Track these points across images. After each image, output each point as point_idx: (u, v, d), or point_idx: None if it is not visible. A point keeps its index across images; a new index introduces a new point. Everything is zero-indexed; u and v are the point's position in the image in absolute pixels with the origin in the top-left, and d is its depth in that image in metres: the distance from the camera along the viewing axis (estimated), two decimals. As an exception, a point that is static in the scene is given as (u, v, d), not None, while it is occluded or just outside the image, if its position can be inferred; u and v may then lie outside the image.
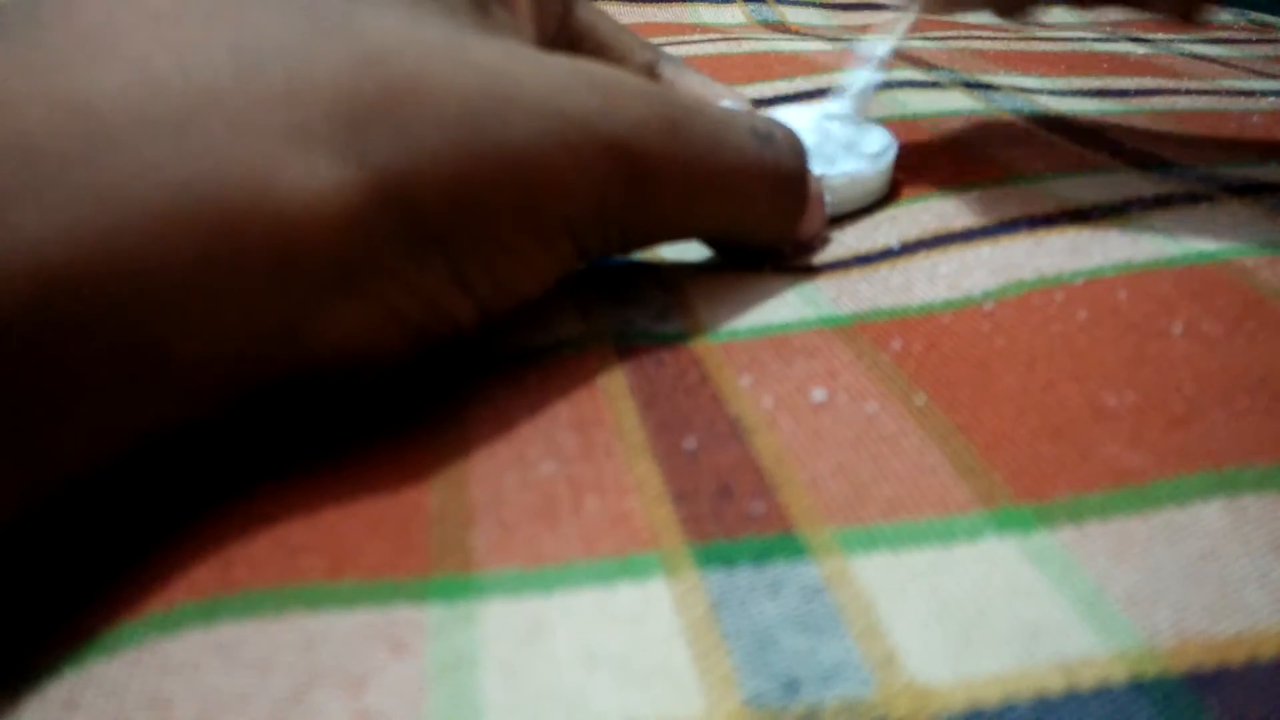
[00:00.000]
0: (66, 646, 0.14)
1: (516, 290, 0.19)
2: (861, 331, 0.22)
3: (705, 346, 0.21)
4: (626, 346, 0.21)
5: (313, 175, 0.15)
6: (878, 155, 0.28)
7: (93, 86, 0.14)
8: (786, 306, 0.23)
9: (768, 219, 0.24)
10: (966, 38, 0.57)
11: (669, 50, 0.51)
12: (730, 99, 0.31)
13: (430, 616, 0.14)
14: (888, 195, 0.29)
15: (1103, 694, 0.13)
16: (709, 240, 0.25)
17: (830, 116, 0.30)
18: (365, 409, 0.19)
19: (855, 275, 0.25)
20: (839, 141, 0.29)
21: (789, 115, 0.31)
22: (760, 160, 0.22)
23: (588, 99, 0.19)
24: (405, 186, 0.16)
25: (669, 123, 0.20)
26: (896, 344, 0.21)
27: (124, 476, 0.17)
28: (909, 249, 0.26)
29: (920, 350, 0.21)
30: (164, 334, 0.15)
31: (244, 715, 0.13)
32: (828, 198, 0.26)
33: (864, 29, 0.63)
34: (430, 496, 0.17)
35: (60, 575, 0.16)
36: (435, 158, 0.16)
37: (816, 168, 0.27)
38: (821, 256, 0.26)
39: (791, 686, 0.13)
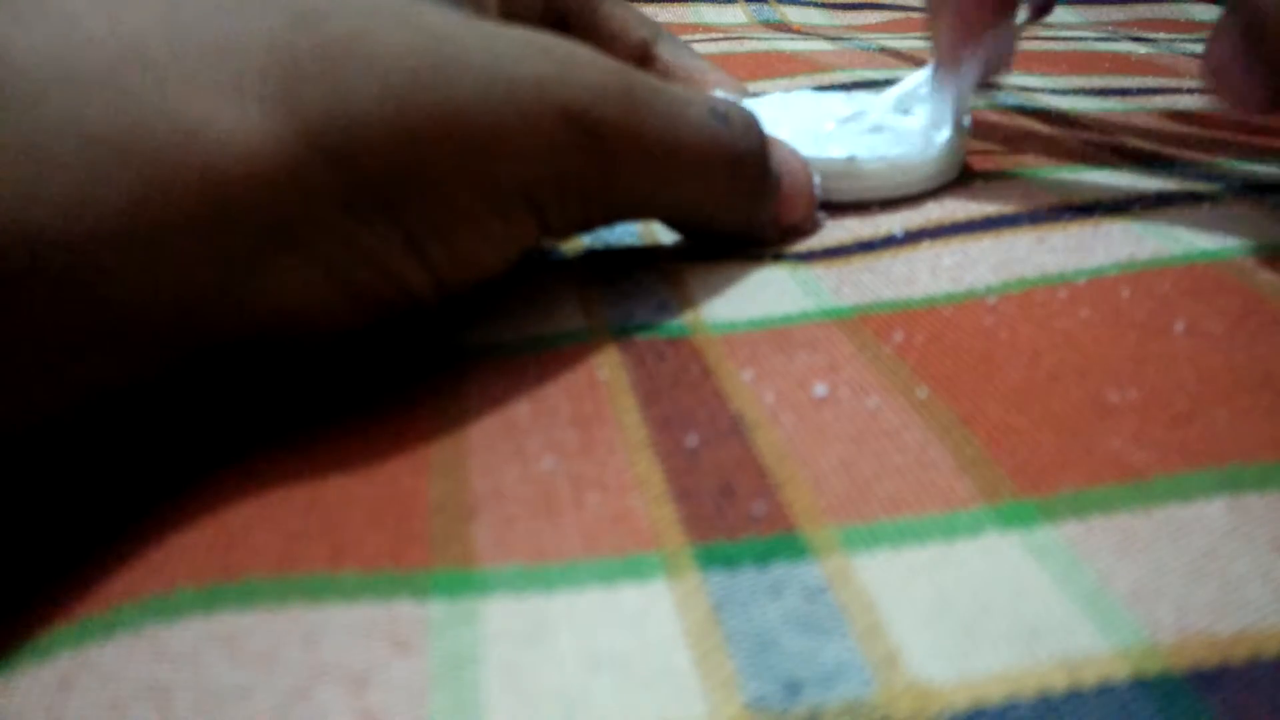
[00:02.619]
0: (58, 623, 0.14)
1: (474, 261, 0.19)
2: (863, 324, 0.22)
3: (706, 339, 0.21)
4: (627, 340, 0.21)
5: (243, 125, 0.15)
6: (928, 142, 0.28)
7: (17, 43, 0.14)
8: (788, 298, 0.23)
9: (730, 200, 0.23)
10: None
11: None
12: (726, 86, 0.31)
13: (433, 613, 0.14)
14: (953, 181, 0.29)
15: (1105, 692, 0.13)
16: (676, 223, 0.24)
17: (870, 106, 0.30)
18: (364, 393, 0.19)
19: (857, 264, 0.25)
20: (879, 128, 0.29)
21: (820, 101, 0.31)
22: (716, 138, 0.22)
23: (541, 65, 0.18)
24: (342, 141, 0.16)
25: (625, 93, 0.20)
26: (899, 336, 0.21)
27: (107, 445, 0.17)
28: (912, 237, 0.26)
29: (923, 343, 0.21)
30: (93, 286, 0.15)
31: (244, 710, 0.13)
32: (817, 179, 0.26)
33: (866, 28, 0.63)
34: (430, 485, 0.17)
35: (49, 545, 0.16)
36: (373, 115, 0.16)
37: (835, 151, 0.27)
38: (823, 241, 0.26)
39: (793, 688, 0.13)
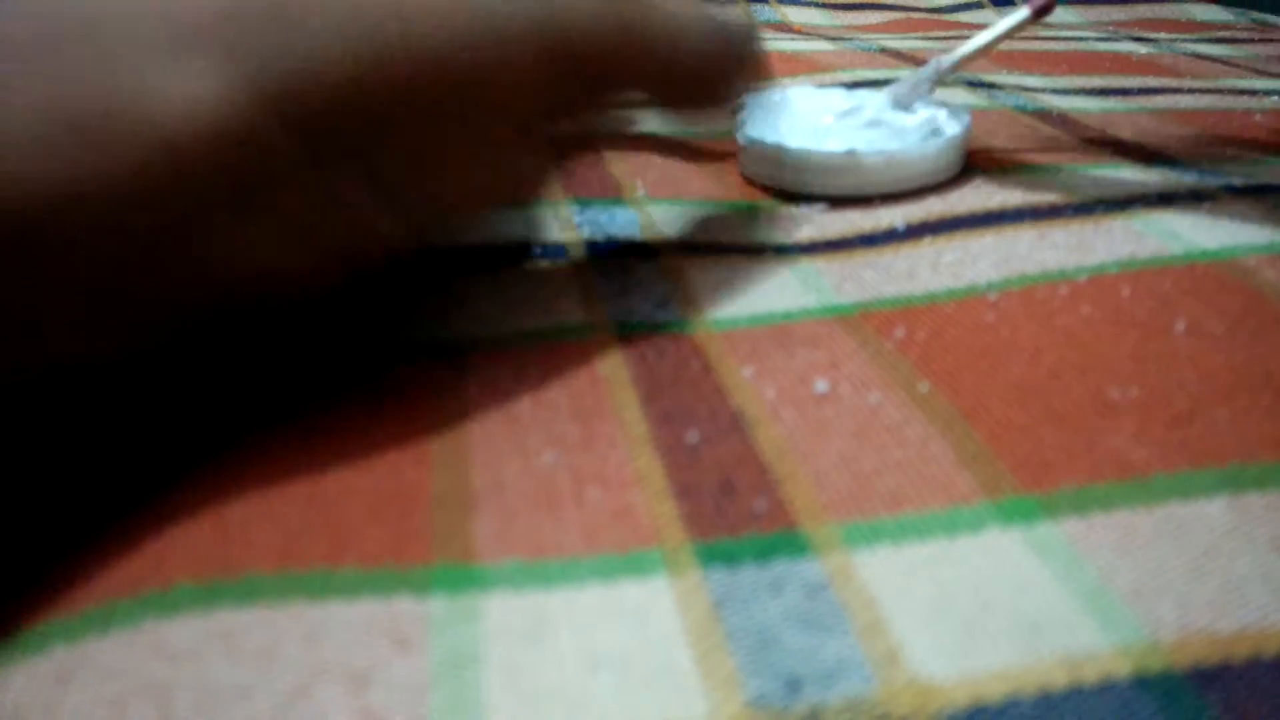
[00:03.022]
0: (53, 614, 0.14)
1: (451, 205, 0.19)
2: (865, 320, 0.22)
3: (707, 335, 0.21)
4: (628, 336, 0.21)
5: (191, 86, 0.15)
6: (927, 138, 0.28)
7: None
8: (789, 294, 0.23)
9: (715, 99, 0.23)
10: (967, 38, 0.57)
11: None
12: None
13: (433, 610, 0.14)
14: (953, 177, 0.30)
15: (1106, 690, 0.13)
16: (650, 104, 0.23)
17: (874, 103, 0.30)
18: (364, 384, 0.19)
19: (859, 259, 0.25)
20: (877, 122, 0.29)
21: (819, 96, 0.31)
22: (718, 50, 0.21)
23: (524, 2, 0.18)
24: (299, 94, 0.16)
25: (617, 20, 0.19)
26: (900, 332, 0.21)
27: (97, 429, 0.17)
28: (914, 232, 0.26)
29: (924, 339, 0.21)
30: (46, 259, 0.15)
31: (245, 709, 0.13)
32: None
33: (866, 28, 0.63)
34: (431, 478, 0.17)
35: (41, 532, 0.16)
36: (334, 73, 0.16)
37: (834, 145, 0.27)
38: (824, 233, 0.26)
39: (794, 686, 0.13)
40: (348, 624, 0.14)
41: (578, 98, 0.19)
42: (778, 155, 0.29)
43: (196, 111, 0.15)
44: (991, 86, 0.42)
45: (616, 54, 0.19)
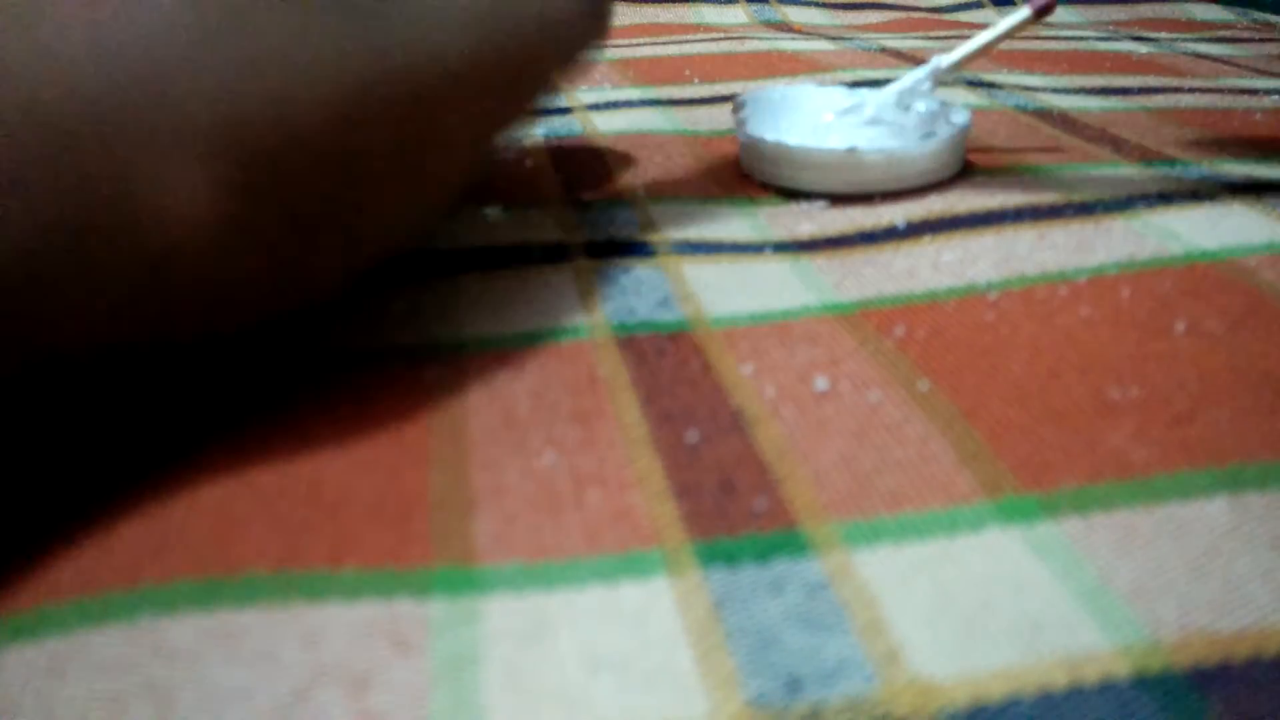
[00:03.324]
0: (44, 600, 0.14)
1: (409, 232, 0.19)
2: (865, 318, 0.22)
3: (707, 333, 0.21)
4: (627, 336, 0.21)
5: (192, 189, 0.15)
6: (927, 137, 0.28)
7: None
8: (788, 293, 0.23)
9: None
10: (968, 37, 0.57)
11: (671, 51, 0.51)
12: None
13: (433, 612, 0.14)
14: (954, 176, 0.30)
15: (1106, 690, 0.13)
16: None
17: (877, 102, 0.30)
18: (364, 382, 0.19)
19: (859, 257, 0.25)
20: (877, 120, 0.29)
21: (820, 94, 0.31)
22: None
23: (482, 26, 0.18)
24: (285, 182, 0.16)
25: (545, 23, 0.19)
26: (900, 330, 0.21)
27: (90, 417, 0.17)
28: (914, 230, 0.26)
29: (924, 337, 0.21)
30: (43, 328, 0.15)
31: (245, 712, 0.13)
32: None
33: (867, 28, 0.63)
34: (431, 478, 0.17)
35: (29, 511, 0.16)
36: (313, 141, 0.16)
37: (835, 142, 0.28)
38: (824, 230, 0.26)
39: (794, 686, 0.13)
40: (348, 626, 0.14)
41: (520, 107, 0.20)
42: (778, 153, 0.29)
43: (196, 214, 0.15)
44: (992, 86, 0.42)
45: (552, 60, 0.20)
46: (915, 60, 0.48)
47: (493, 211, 0.28)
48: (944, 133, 0.29)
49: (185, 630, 0.14)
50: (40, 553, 0.15)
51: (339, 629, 0.14)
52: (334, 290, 0.18)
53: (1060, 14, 0.68)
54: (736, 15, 0.65)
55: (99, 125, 0.14)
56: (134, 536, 0.15)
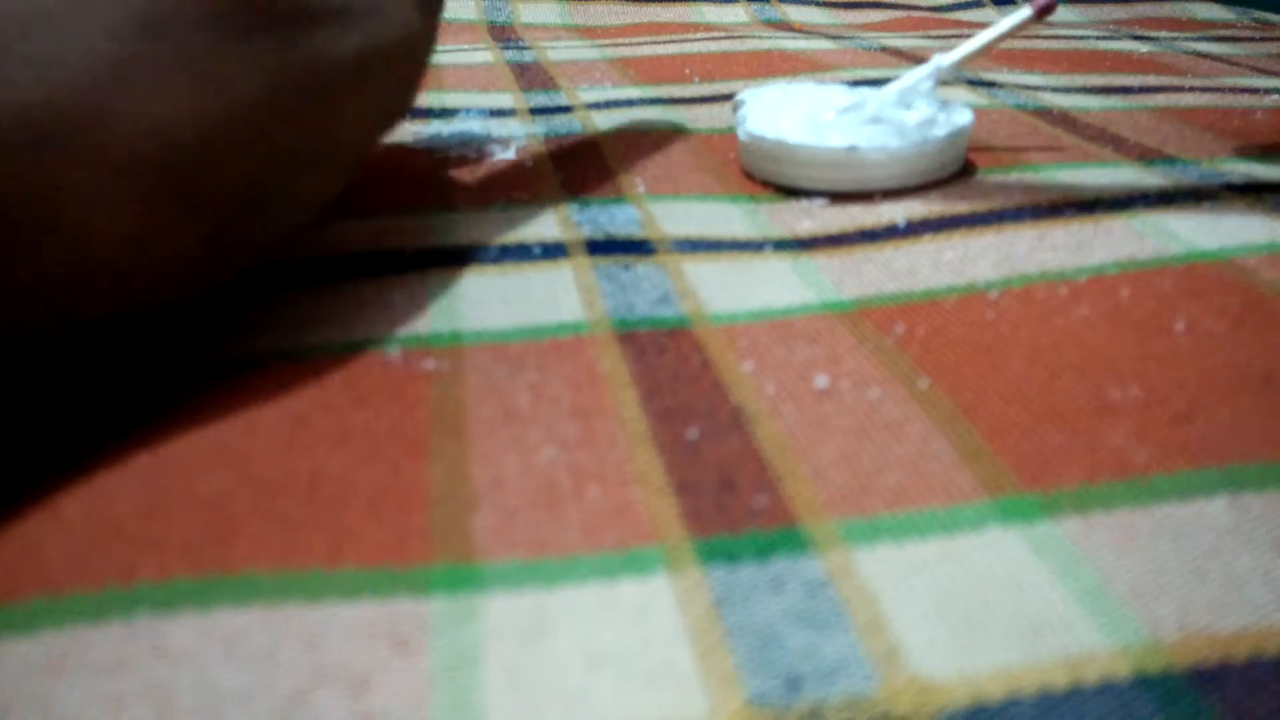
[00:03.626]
0: (38, 592, 0.14)
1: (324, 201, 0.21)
2: (865, 316, 0.22)
3: (707, 330, 0.21)
4: (627, 332, 0.21)
5: (121, 216, 0.16)
6: (928, 136, 0.28)
7: None
8: (788, 290, 0.23)
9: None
10: (968, 37, 0.57)
11: (671, 50, 0.51)
12: None
13: (432, 610, 0.14)
14: (954, 175, 0.30)
15: (1106, 690, 0.13)
16: None
17: (879, 100, 0.30)
18: (362, 376, 0.19)
19: (859, 255, 0.25)
20: (877, 119, 0.29)
21: (821, 92, 0.31)
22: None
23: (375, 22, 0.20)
24: (190, 180, 0.17)
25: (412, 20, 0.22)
26: (900, 328, 0.21)
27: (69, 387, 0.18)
28: (914, 229, 0.26)
29: (924, 335, 0.21)
30: None
31: (245, 715, 0.13)
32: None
33: (867, 27, 0.63)
34: (430, 474, 0.17)
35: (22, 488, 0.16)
36: (231, 154, 0.17)
37: (835, 140, 0.28)
38: (825, 228, 0.26)
39: (794, 684, 0.13)
40: (347, 626, 0.14)
41: (411, 93, 0.23)
42: (779, 150, 0.29)
43: (118, 220, 0.16)
44: (992, 85, 0.42)
45: (412, 63, 0.22)
46: (916, 59, 0.48)
47: (493, 209, 0.28)
48: (944, 131, 0.29)
49: (184, 630, 0.14)
50: (32, 541, 0.15)
51: (338, 629, 0.14)
52: (238, 271, 0.20)
53: (1061, 13, 0.68)
54: (737, 14, 0.65)
55: (34, 136, 0.15)
56: (129, 530, 0.15)
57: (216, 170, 0.17)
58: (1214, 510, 0.16)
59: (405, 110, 0.23)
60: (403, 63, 0.22)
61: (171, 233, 0.17)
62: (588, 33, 0.59)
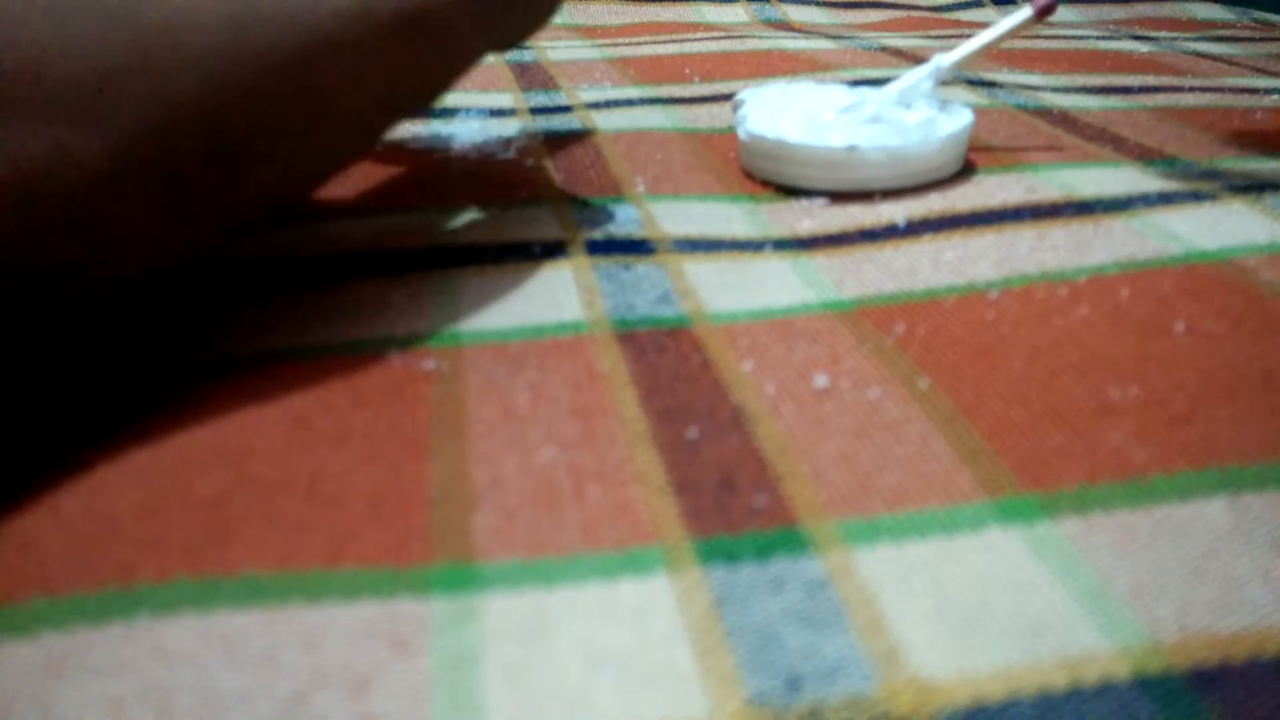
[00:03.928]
0: (36, 592, 0.14)
1: (301, 188, 0.20)
2: (864, 316, 0.22)
3: (707, 330, 0.21)
4: (627, 331, 0.21)
5: (62, 146, 0.16)
6: (925, 136, 0.28)
7: None
8: (788, 290, 0.23)
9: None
10: (969, 37, 0.57)
11: (671, 49, 0.51)
12: None
13: (432, 611, 0.14)
14: (954, 175, 0.30)
15: (1106, 691, 0.13)
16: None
17: (880, 100, 0.30)
18: (361, 374, 0.19)
19: (859, 255, 0.25)
20: (878, 118, 0.29)
21: (821, 91, 0.31)
22: None
23: None
24: (162, 149, 0.17)
25: None
26: (900, 328, 0.21)
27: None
28: (914, 228, 0.26)
29: (924, 335, 0.21)
30: None
31: (246, 716, 0.13)
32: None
33: (867, 27, 0.63)
34: (430, 473, 0.17)
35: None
36: (193, 112, 0.17)
37: (836, 140, 0.28)
38: (825, 227, 0.26)
39: (794, 684, 0.13)
40: (347, 627, 0.14)
41: (432, 72, 0.20)
42: (779, 150, 0.29)
43: (64, 171, 0.16)
44: (992, 85, 0.42)
45: (468, 17, 0.20)
46: (916, 59, 0.48)
47: (493, 209, 0.28)
48: (945, 131, 0.29)
49: (184, 631, 0.14)
50: (31, 540, 0.15)
51: (338, 630, 0.14)
52: (212, 246, 0.19)
53: (1061, 13, 0.68)
54: (737, 14, 0.65)
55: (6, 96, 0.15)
56: (129, 529, 0.15)
57: (174, 129, 0.17)
58: (1213, 510, 0.16)
59: (431, 92, 0.22)
60: (425, 37, 0.20)
61: (134, 190, 0.17)
62: (588, 32, 0.59)
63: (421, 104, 0.21)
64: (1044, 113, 0.37)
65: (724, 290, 0.23)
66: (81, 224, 0.17)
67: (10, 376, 0.19)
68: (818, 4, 0.68)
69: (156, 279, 0.19)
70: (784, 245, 0.25)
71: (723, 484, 0.17)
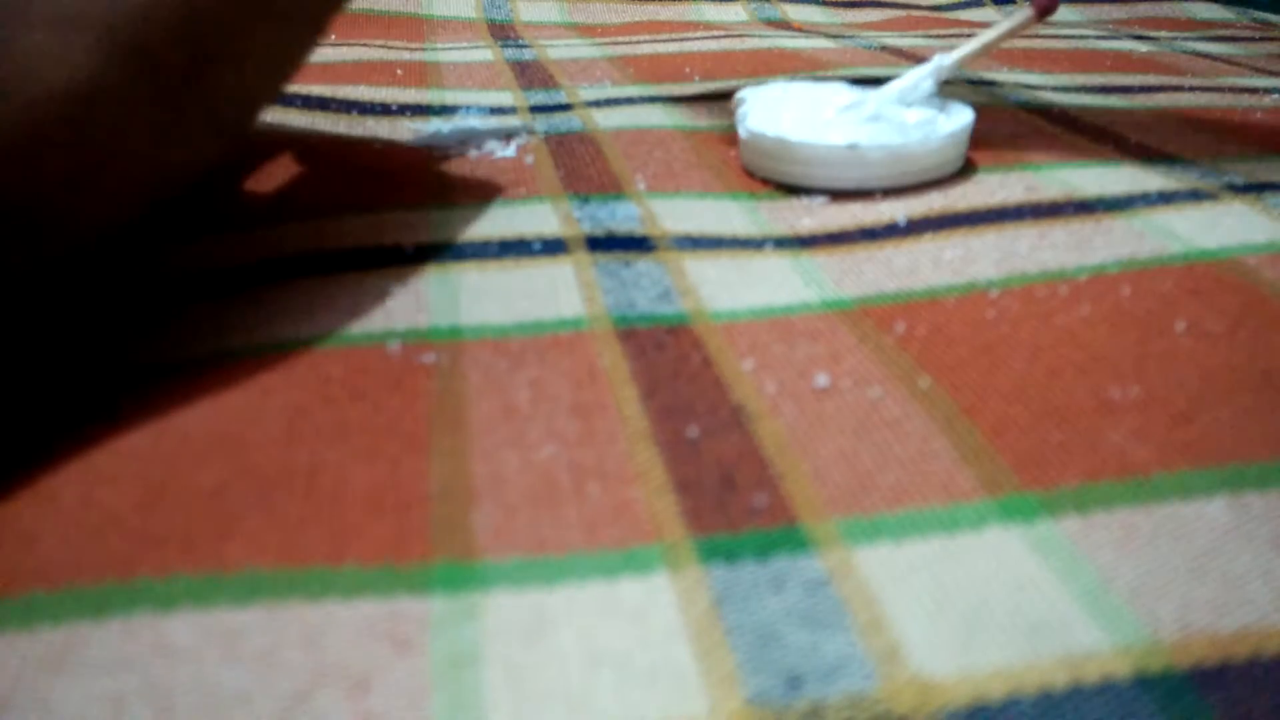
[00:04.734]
0: (33, 584, 0.14)
1: (261, 102, 0.21)
2: (865, 315, 0.22)
3: (707, 328, 0.21)
4: (628, 329, 0.21)
5: (58, 54, 0.17)
6: (926, 134, 0.28)
7: None
8: (789, 288, 0.23)
9: None
10: (969, 36, 0.57)
11: (671, 48, 0.51)
12: None
13: (433, 609, 0.14)
14: (955, 173, 0.30)
15: (1106, 689, 0.13)
16: None
17: (881, 99, 0.30)
18: (360, 370, 0.19)
19: (860, 254, 0.25)
20: (878, 117, 0.29)
21: (821, 90, 0.31)
22: None
23: None
24: (145, 39, 0.17)
25: None
26: (900, 327, 0.21)
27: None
28: (915, 227, 0.26)
29: (925, 334, 0.21)
30: None
31: (246, 717, 0.13)
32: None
33: (867, 26, 0.63)
34: (429, 471, 0.17)
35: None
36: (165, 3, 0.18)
37: (836, 138, 0.28)
38: (825, 226, 0.26)
39: (794, 683, 0.13)
40: (348, 625, 0.14)
41: None
42: (779, 148, 0.29)
43: (54, 73, 0.17)
44: (993, 84, 0.42)
45: None
46: (916, 59, 0.48)
47: (493, 205, 0.28)
48: (945, 130, 0.29)
49: (184, 628, 0.14)
50: (29, 531, 0.15)
51: (339, 628, 0.14)
52: (201, 166, 0.20)
53: (1061, 12, 0.68)
54: (736, 13, 0.65)
55: None
56: (129, 522, 0.15)
57: (157, 37, 0.17)
58: (1214, 510, 0.16)
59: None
60: None
61: (121, 98, 0.17)
62: (587, 31, 0.59)
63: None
64: (1044, 112, 0.37)
65: (724, 288, 0.23)
66: (77, 128, 0.17)
67: (10, 331, 0.20)
68: (817, 3, 0.68)
69: (153, 209, 0.20)
70: (784, 243, 0.25)
71: (723, 482, 0.17)
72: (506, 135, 0.34)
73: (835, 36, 0.56)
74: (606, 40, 0.54)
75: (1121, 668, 0.13)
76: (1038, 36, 0.55)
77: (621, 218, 0.27)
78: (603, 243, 0.25)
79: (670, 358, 0.20)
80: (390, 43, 0.51)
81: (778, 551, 0.15)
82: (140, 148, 0.18)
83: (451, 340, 0.21)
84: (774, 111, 0.30)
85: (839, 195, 0.28)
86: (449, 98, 0.40)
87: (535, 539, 0.15)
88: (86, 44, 0.17)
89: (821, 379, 0.19)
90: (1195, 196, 0.28)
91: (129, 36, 0.17)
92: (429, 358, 0.20)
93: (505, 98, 0.40)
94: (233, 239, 0.25)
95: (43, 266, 0.18)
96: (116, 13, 0.17)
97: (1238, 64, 0.49)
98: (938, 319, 0.22)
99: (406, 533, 0.15)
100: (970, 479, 0.17)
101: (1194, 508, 0.16)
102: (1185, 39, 0.57)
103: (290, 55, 0.21)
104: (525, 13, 0.63)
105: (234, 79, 0.20)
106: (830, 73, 0.44)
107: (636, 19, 0.63)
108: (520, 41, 0.54)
